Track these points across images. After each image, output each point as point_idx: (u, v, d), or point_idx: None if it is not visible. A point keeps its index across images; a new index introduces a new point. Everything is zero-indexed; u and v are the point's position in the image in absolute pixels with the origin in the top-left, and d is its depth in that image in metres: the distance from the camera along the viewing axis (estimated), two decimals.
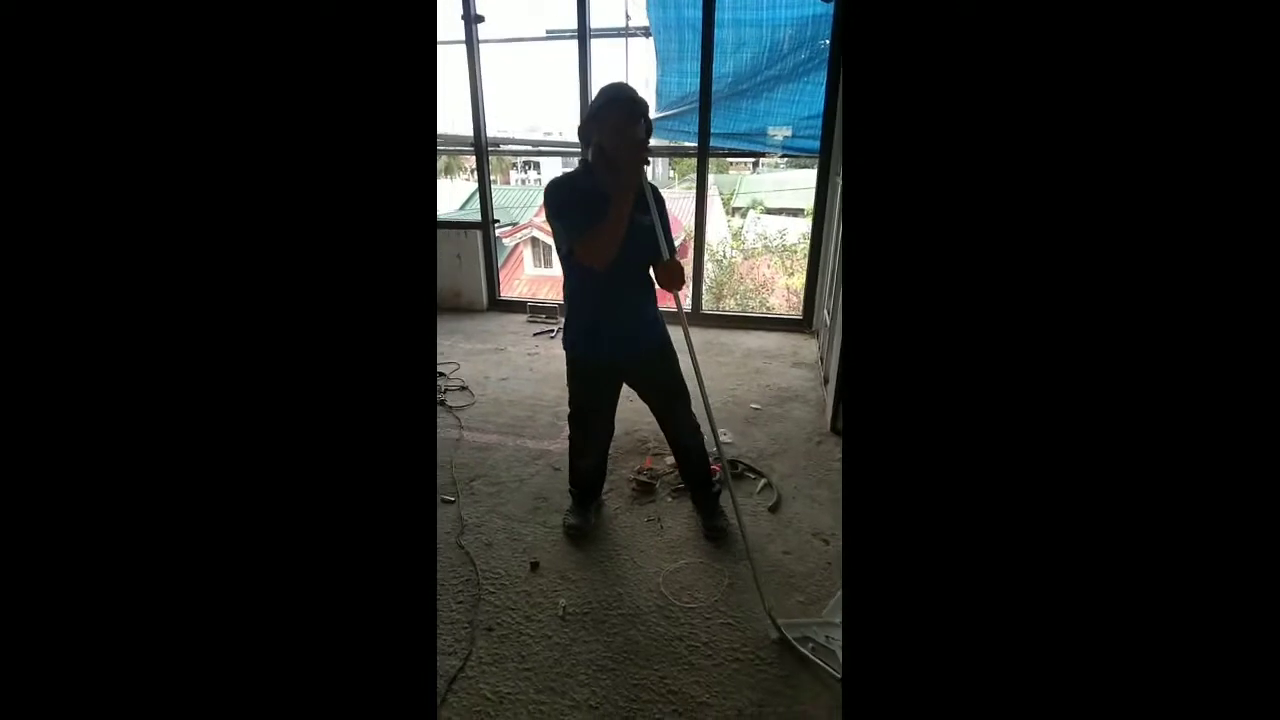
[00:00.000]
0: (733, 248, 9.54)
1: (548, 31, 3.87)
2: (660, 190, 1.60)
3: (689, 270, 3.75)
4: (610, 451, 1.94)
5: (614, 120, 1.42)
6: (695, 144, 3.50)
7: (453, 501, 1.98)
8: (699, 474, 1.84)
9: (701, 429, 1.79)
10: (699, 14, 3.26)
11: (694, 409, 1.76)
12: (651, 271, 1.59)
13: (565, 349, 1.68)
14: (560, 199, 1.49)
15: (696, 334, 3.52)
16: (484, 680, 1.35)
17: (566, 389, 1.76)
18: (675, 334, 1.69)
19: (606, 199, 1.40)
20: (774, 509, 1.95)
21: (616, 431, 1.89)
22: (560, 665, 1.39)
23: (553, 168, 12.43)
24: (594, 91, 3.58)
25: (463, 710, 1.28)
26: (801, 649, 1.40)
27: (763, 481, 2.09)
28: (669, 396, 1.73)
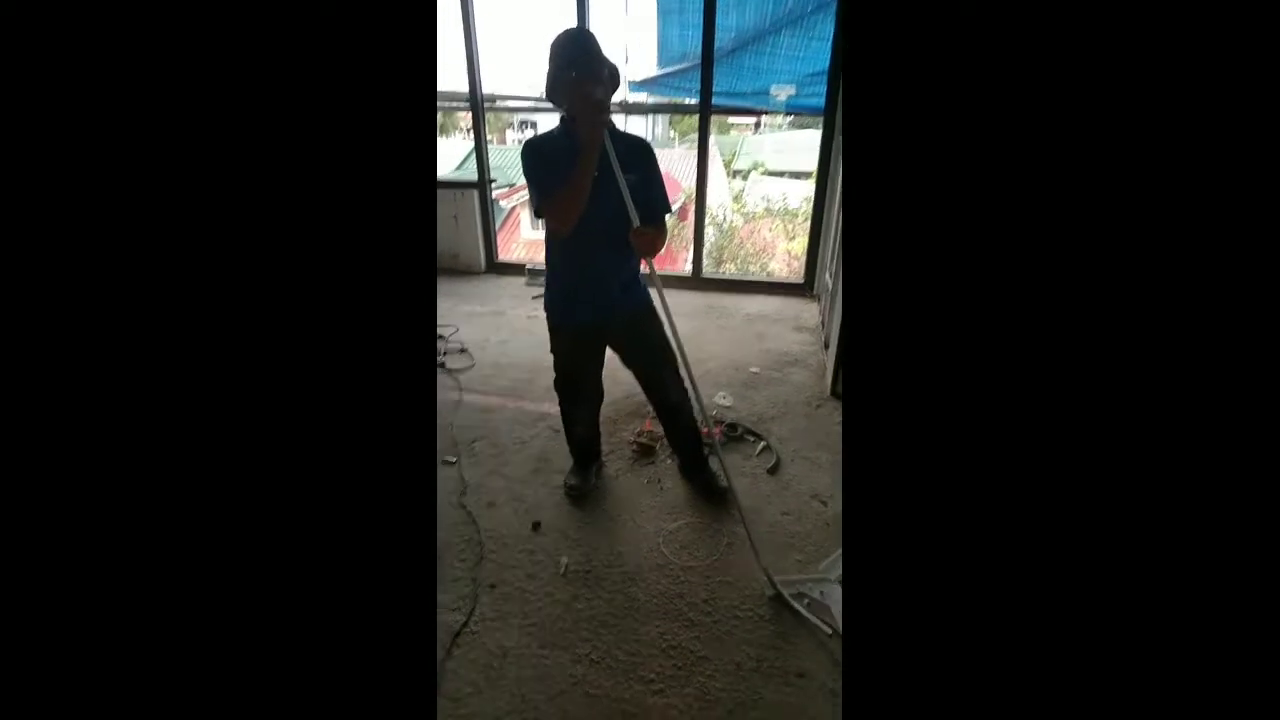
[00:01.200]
0: (733, 211, 9.41)
1: None
2: (652, 147, 1.53)
3: (690, 232, 3.70)
4: (607, 414, 1.94)
5: (572, 82, 1.35)
6: (697, 101, 3.40)
7: (454, 462, 1.99)
8: (687, 438, 1.82)
9: (689, 395, 1.72)
10: None
11: (681, 375, 1.70)
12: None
13: (545, 314, 1.65)
14: (531, 160, 1.44)
15: (697, 297, 3.51)
16: (488, 635, 1.38)
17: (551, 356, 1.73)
18: (674, 300, 1.67)
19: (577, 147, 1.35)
20: (773, 471, 1.97)
21: (616, 394, 1.89)
22: (562, 621, 1.42)
23: (550, 125, 12.14)
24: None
25: (468, 664, 1.31)
26: (796, 605, 1.43)
27: (762, 444, 2.10)
28: (653, 361, 1.68)
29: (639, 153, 1.47)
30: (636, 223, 1.41)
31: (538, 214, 1.46)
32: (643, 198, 1.44)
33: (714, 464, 1.83)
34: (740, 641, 1.37)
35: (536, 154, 1.44)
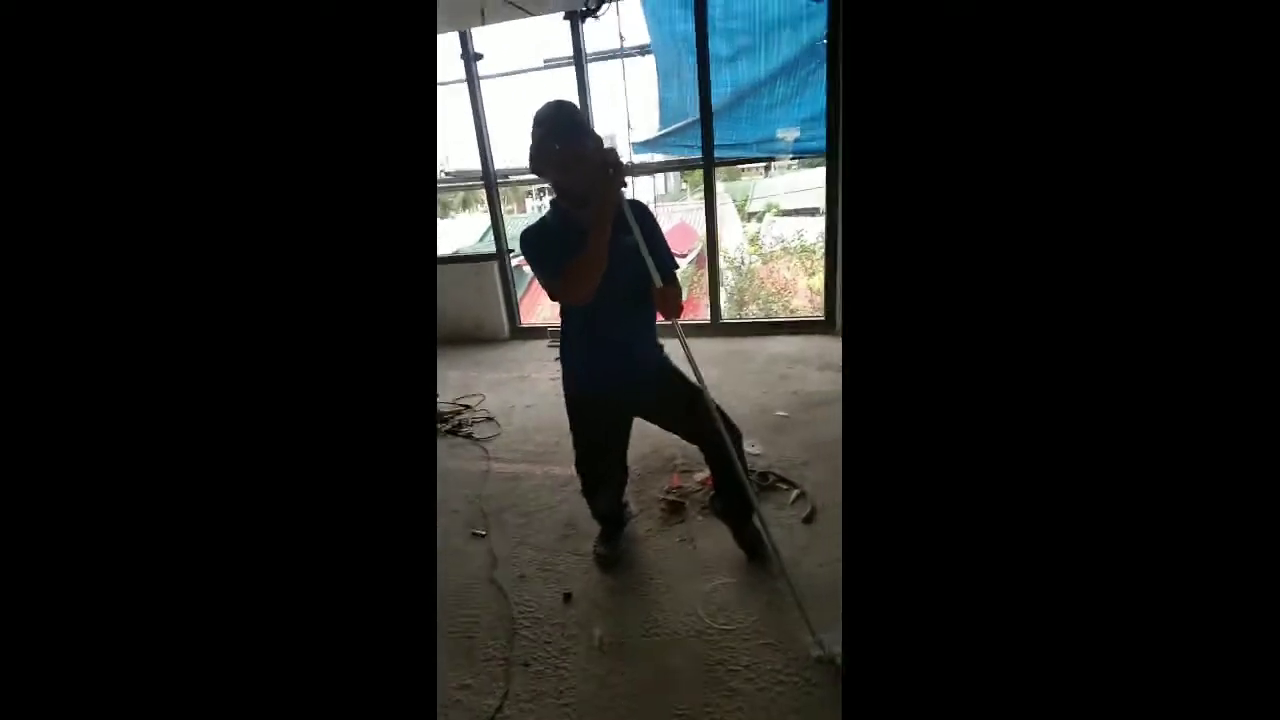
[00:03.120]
0: (751, 253, 9.48)
1: (545, 61, 3.93)
2: (649, 210, 1.50)
3: (704, 283, 3.74)
4: (633, 470, 1.90)
5: (560, 156, 1.33)
6: (699, 154, 3.49)
7: (484, 535, 1.98)
8: (729, 483, 1.64)
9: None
10: (692, 28, 3.27)
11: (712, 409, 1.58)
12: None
13: (564, 391, 1.60)
14: (533, 246, 1.40)
15: (718, 344, 3.50)
16: (522, 719, 1.33)
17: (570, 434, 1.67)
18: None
19: (581, 232, 1.29)
20: (808, 520, 1.90)
21: (643, 449, 1.86)
22: (599, 698, 1.36)
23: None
24: (593, 114, 3.64)
25: None
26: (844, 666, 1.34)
27: (795, 492, 2.04)
28: (684, 404, 1.56)
29: (636, 211, 1.42)
30: (659, 282, 1.39)
31: (553, 297, 1.42)
32: (647, 255, 1.41)
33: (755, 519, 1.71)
34: (786, 709, 1.29)
35: (537, 238, 1.40)
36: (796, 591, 1.47)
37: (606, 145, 1.36)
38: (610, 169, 1.27)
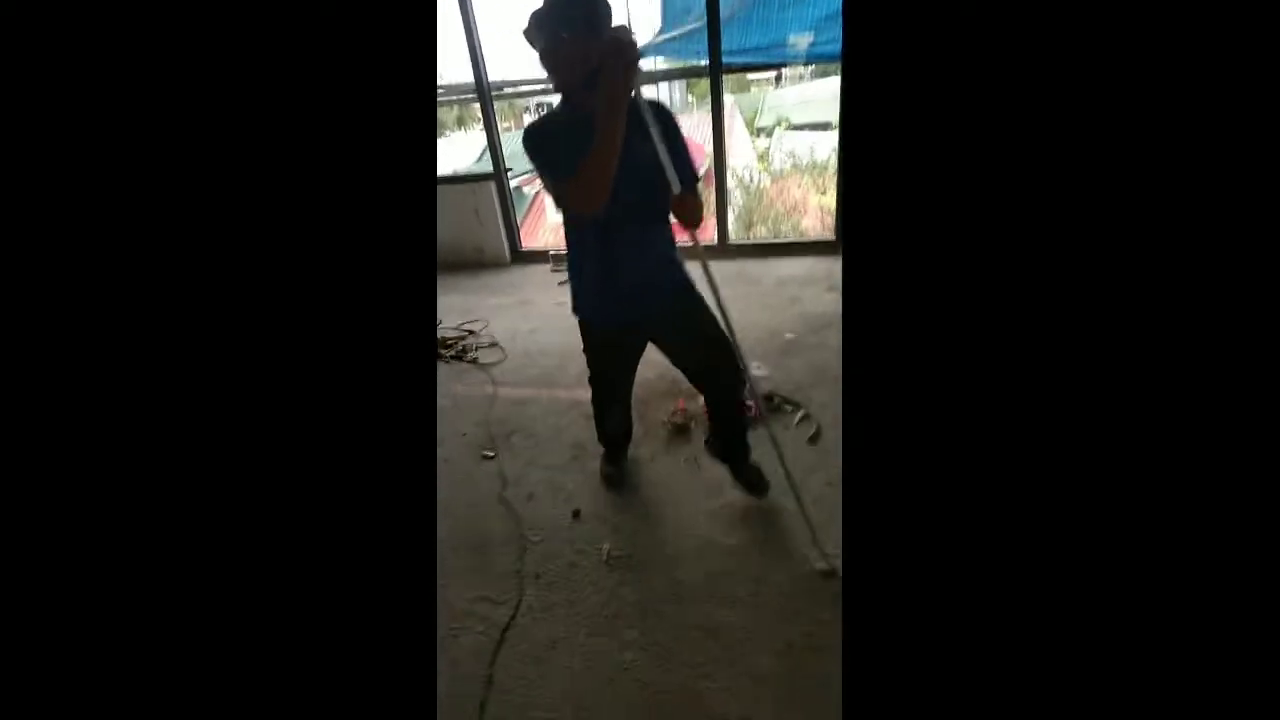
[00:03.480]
0: (760, 170, 9.12)
1: None
2: (669, 110, 1.27)
3: (710, 202, 3.59)
4: (638, 394, 1.87)
5: (570, 49, 1.12)
6: (707, 60, 3.26)
7: (493, 457, 2.01)
8: (730, 427, 1.63)
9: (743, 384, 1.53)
10: None
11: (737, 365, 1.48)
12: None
13: (573, 312, 1.46)
14: (537, 145, 1.21)
15: (725, 266, 3.41)
16: (535, 627, 1.39)
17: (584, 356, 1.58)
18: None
19: (594, 130, 1.08)
20: (813, 440, 1.91)
21: (648, 375, 1.84)
22: (608, 608, 1.42)
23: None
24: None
25: (518, 656, 1.33)
26: None
27: (800, 413, 2.04)
28: (704, 348, 1.45)
29: (656, 113, 1.22)
30: (677, 189, 1.20)
31: (559, 203, 1.25)
32: (661, 164, 1.22)
33: (753, 455, 1.70)
34: (789, 618, 1.34)
35: (541, 137, 1.20)
36: (805, 507, 1.49)
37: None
38: (621, 48, 1.04)
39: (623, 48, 1.04)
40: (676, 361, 1.54)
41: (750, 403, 1.75)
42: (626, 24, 1.24)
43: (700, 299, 1.44)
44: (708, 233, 3.79)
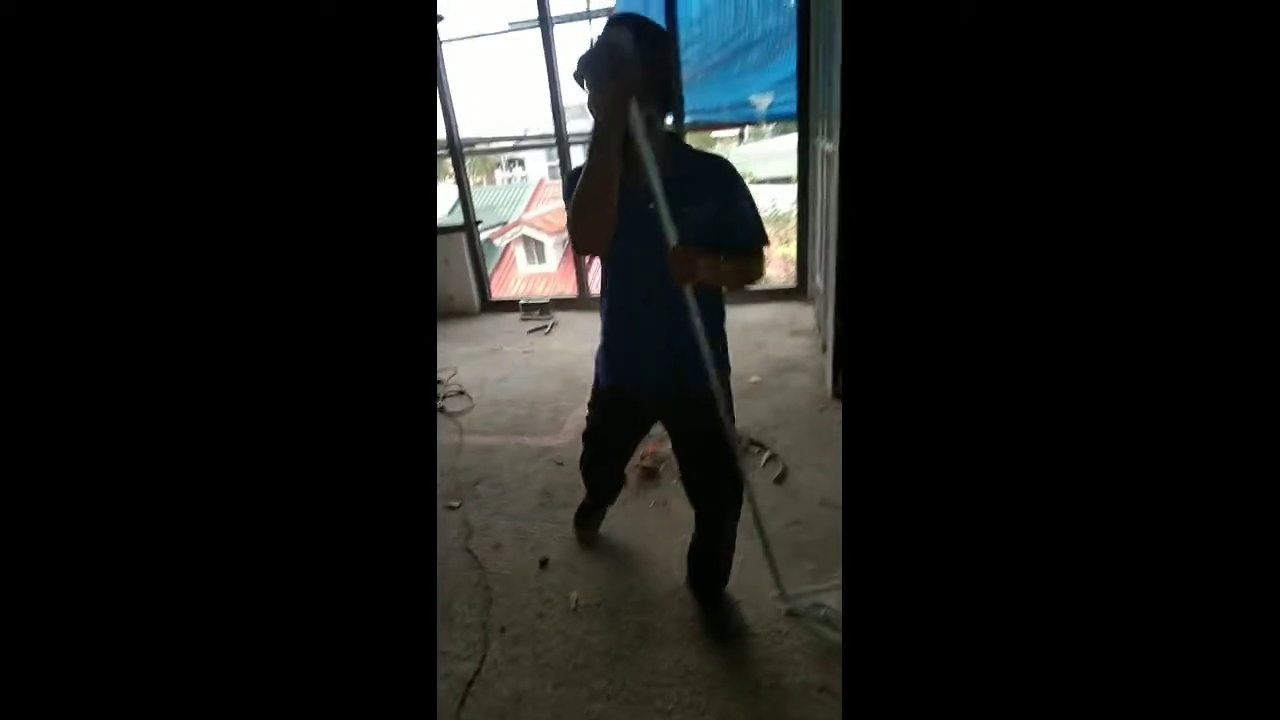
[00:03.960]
0: None
1: (510, 24, 3.80)
2: (733, 166, 1.08)
3: None
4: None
5: (594, 75, 0.94)
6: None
7: (457, 507, 1.98)
8: (712, 552, 1.43)
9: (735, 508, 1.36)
10: None
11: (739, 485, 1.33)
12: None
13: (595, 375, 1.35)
14: (568, 183, 1.08)
15: None
16: (501, 681, 1.35)
17: (587, 410, 1.49)
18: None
19: (627, 183, 0.97)
20: (780, 480, 1.94)
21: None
22: (576, 658, 1.39)
23: (537, 162, 12.32)
24: (562, 80, 3.55)
25: (482, 713, 1.28)
26: (814, 619, 1.39)
27: (767, 454, 2.07)
28: (700, 465, 1.32)
29: (712, 174, 1.07)
30: (673, 241, 1.01)
31: (572, 242, 1.11)
32: (725, 221, 1.08)
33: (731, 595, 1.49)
34: (759, 660, 1.33)
35: (572, 178, 1.05)
36: (769, 551, 1.49)
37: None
38: (610, 58, 0.90)
39: (610, 50, 0.91)
40: (677, 454, 1.35)
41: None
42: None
43: (714, 411, 1.21)
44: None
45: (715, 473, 1.29)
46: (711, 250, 1.05)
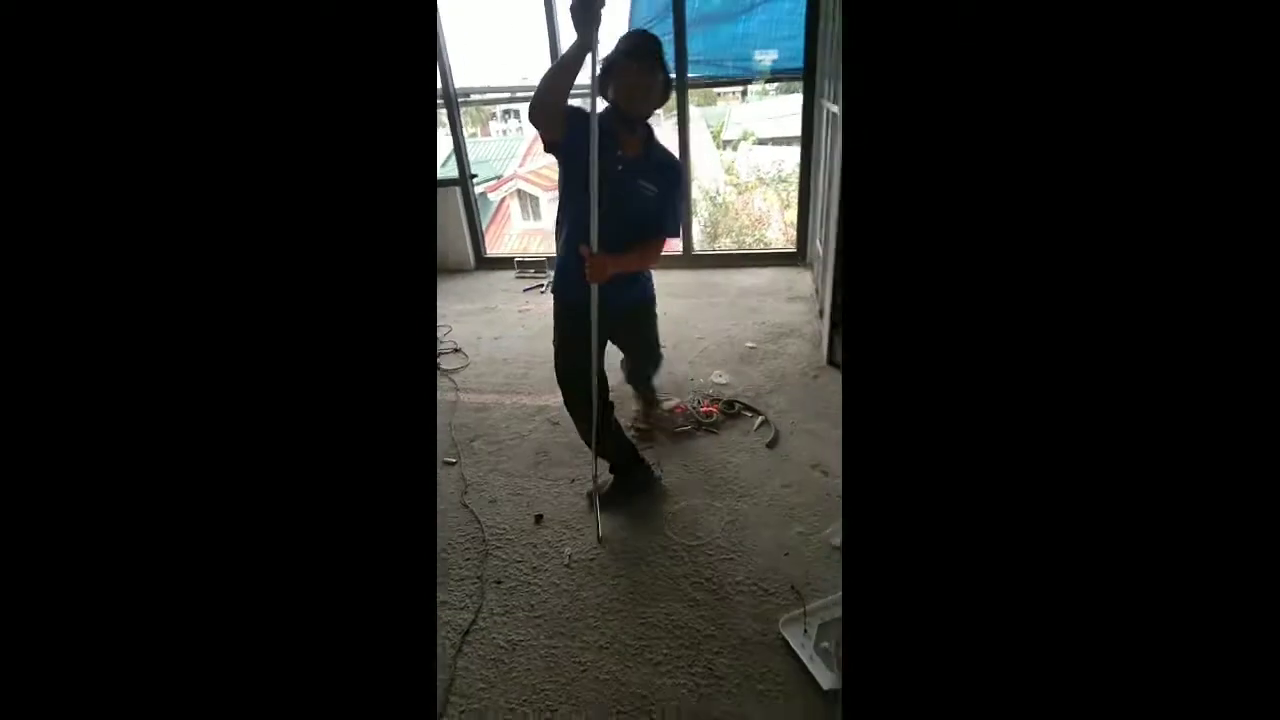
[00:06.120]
0: (726, 183, 9.29)
1: None
2: (680, 168, 1.52)
3: None
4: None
5: (627, 79, 1.34)
6: (673, 72, 3.33)
7: (454, 463, 2.00)
8: (639, 378, 2.05)
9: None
10: None
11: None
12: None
13: (553, 292, 1.67)
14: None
15: (689, 276, 3.48)
16: (496, 631, 1.40)
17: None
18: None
19: (608, 140, 1.35)
20: (772, 445, 1.97)
21: (613, 380, 1.82)
22: (569, 610, 1.44)
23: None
24: (561, 31, 3.41)
25: (478, 660, 1.33)
26: (814, 649, 1.28)
27: (760, 418, 2.10)
28: (644, 346, 1.85)
29: (668, 168, 1.50)
30: (594, 249, 1.39)
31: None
32: (654, 209, 1.49)
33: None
34: (745, 616, 1.38)
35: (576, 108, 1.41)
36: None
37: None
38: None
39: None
40: (620, 345, 1.85)
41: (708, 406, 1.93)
42: (672, 81, 1.44)
43: (652, 315, 1.76)
44: (673, 245, 3.86)
45: (645, 352, 1.89)
46: (616, 255, 1.43)
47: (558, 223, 1.55)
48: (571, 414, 1.73)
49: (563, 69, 1.26)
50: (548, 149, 1.44)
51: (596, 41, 1.26)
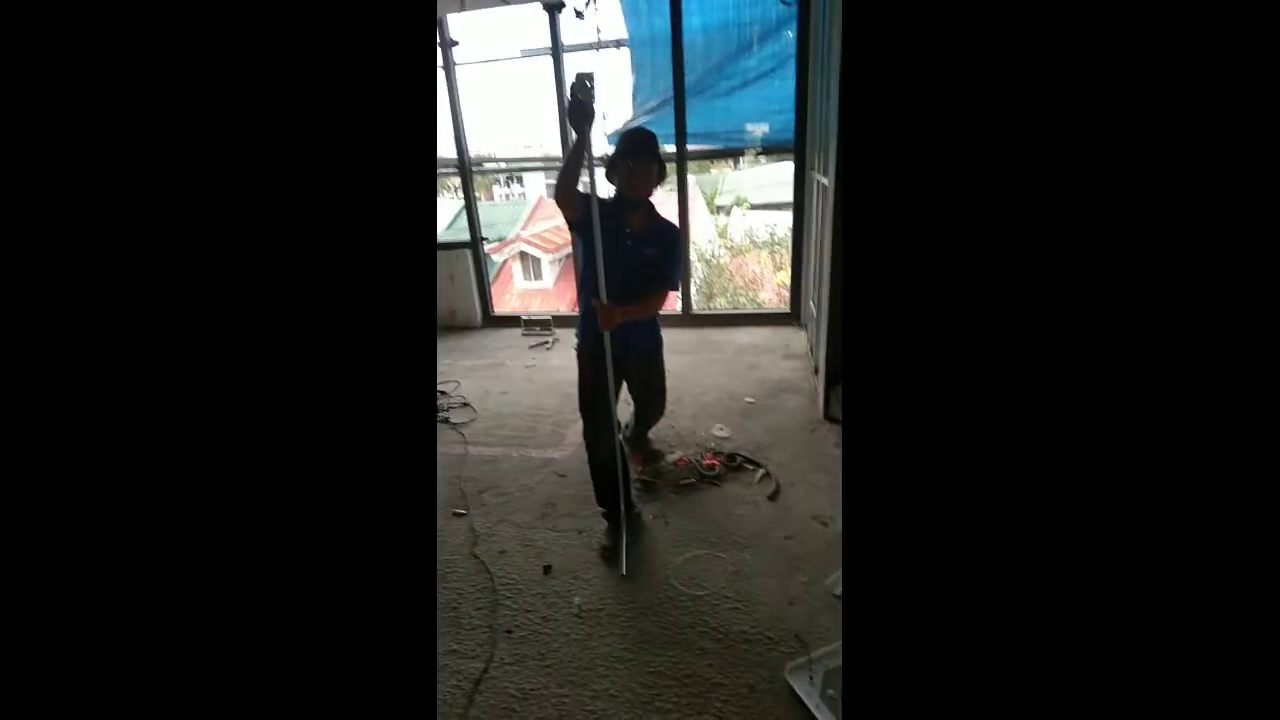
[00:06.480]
0: (721, 246, 9.64)
1: (522, 51, 3.95)
2: (678, 232, 1.83)
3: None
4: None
5: (626, 172, 1.68)
6: (673, 145, 3.58)
7: (464, 514, 2.05)
8: (641, 430, 2.27)
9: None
10: (669, 25, 3.36)
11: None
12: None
13: (576, 349, 1.88)
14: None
15: (689, 333, 3.62)
16: (508, 680, 1.42)
17: (571, 393, 1.87)
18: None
19: (616, 223, 1.67)
20: (773, 497, 2.03)
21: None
22: (579, 659, 1.46)
23: (535, 181, 12.51)
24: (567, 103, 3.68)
25: (490, 710, 1.35)
26: (819, 695, 1.30)
27: (761, 471, 2.17)
28: (652, 391, 2.06)
29: (666, 235, 1.79)
30: (603, 299, 1.66)
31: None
32: (655, 268, 1.78)
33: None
34: (752, 664, 1.41)
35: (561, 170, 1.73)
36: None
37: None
38: (578, 107, 1.51)
39: (578, 103, 1.52)
40: (631, 388, 2.04)
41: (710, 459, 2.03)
42: (665, 166, 1.77)
43: (661, 360, 2.01)
44: (672, 303, 4.02)
45: (651, 396, 2.09)
46: (625, 305, 1.70)
47: (579, 284, 1.85)
48: (590, 442, 1.84)
49: (570, 163, 1.60)
50: (571, 227, 1.73)
51: (590, 135, 1.57)
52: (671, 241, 1.80)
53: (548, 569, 1.77)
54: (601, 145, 1.75)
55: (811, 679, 1.34)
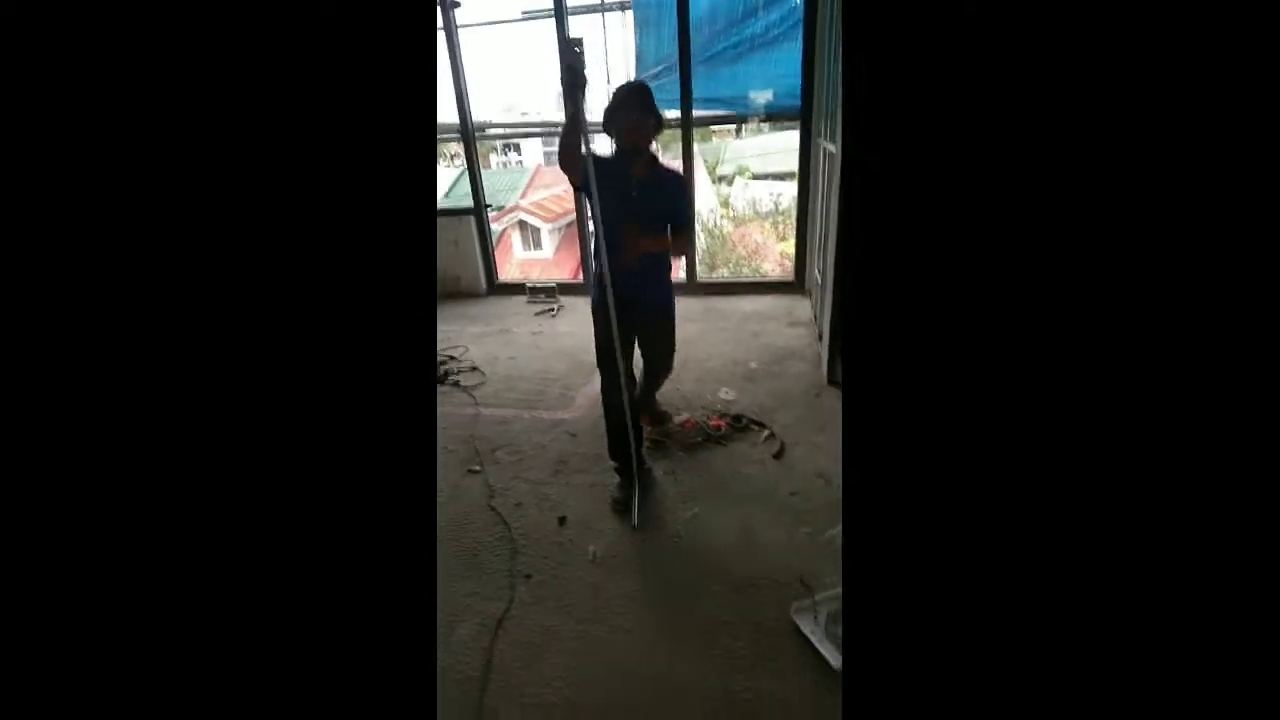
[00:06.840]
0: (723, 216, 9.60)
1: (524, 12, 3.90)
2: (682, 178, 1.88)
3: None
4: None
5: (620, 123, 1.71)
6: (678, 111, 3.56)
7: (479, 471, 2.12)
8: (647, 394, 2.24)
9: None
10: None
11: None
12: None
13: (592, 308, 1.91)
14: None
15: (694, 302, 3.66)
16: (529, 618, 1.51)
17: (580, 359, 1.91)
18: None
19: (620, 176, 1.70)
20: (778, 456, 2.10)
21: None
22: (596, 600, 1.55)
23: (533, 148, 12.35)
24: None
25: (513, 643, 1.44)
26: (823, 632, 1.40)
27: (765, 432, 2.24)
28: (663, 348, 2.05)
29: (673, 182, 1.83)
30: (616, 253, 1.72)
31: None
32: (666, 210, 1.81)
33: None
34: (760, 605, 1.50)
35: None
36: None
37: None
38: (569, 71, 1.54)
39: (568, 68, 1.54)
40: (642, 343, 2.04)
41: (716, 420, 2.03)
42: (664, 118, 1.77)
43: (672, 318, 2.01)
44: (675, 272, 4.05)
45: (662, 351, 2.06)
46: (648, 233, 1.76)
47: (592, 244, 1.87)
48: (606, 389, 1.89)
49: (567, 132, 1.64)
50: (577, 190, 1.78)
51: (585, 104, 1.61)
52: (678, 187, 1.85)
53: (562, 520, 1.85)
54: (599, 111, 1.79)
55: (815, 618, 1.42)
